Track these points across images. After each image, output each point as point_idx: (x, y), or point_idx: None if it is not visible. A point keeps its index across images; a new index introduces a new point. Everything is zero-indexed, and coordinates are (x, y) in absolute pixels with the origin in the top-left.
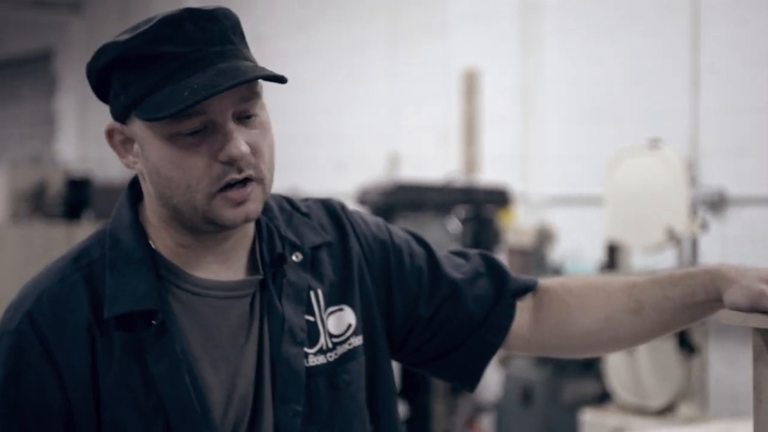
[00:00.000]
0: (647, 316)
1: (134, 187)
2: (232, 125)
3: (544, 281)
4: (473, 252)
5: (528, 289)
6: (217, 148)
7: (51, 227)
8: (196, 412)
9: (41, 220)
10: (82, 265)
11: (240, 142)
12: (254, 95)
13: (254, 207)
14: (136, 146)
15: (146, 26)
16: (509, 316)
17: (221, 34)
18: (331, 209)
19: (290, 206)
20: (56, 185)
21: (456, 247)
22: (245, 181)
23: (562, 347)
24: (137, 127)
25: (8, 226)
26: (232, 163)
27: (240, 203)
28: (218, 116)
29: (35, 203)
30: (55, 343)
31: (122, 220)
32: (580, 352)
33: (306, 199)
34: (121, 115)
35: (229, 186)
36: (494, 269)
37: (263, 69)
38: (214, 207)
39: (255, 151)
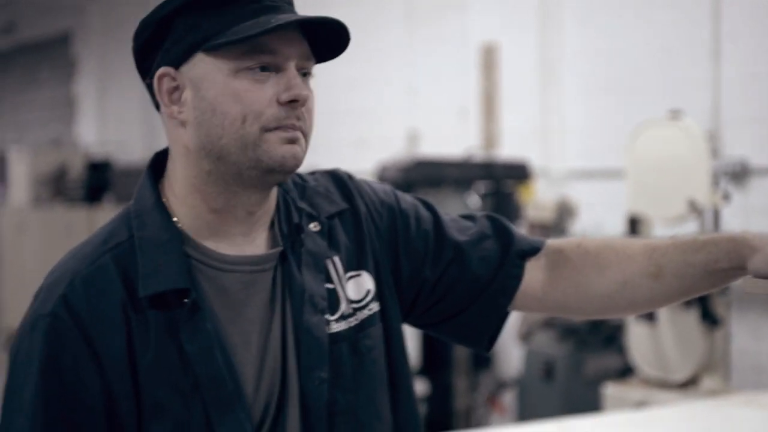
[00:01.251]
0: (667, 282)
1: (154, 168)
2: (296, 72)
3: (560, 241)
4: (481, 214)
5: (535, 249)
6: (281, 89)
7: (72, 210)
8: (228, 389)
9: (62, 203)
10: (110, 246)
11: (304, 86)
12: (312, 58)
13: (300, 152)
14: (185, 95)
15: None
16: (516, 276)
17: None
18: (339, 178)
19: (301, 180)
20: (77, 168)
21: (474, 212)
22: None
23: (577, 308)
24: (198, 67)
25: (30, 210)
26: (294, 104)
27: (291, 141)
28: (284, 61)
29: (56, 187)
30: (91, 325)
31: (146, 201)
32: (596, 313)
33: (313, 173)
34: (179, 59)
35: (281, 127)
36: (500, 230)
37: (331, 18)
38: (265, 142)
39: (307, 108)
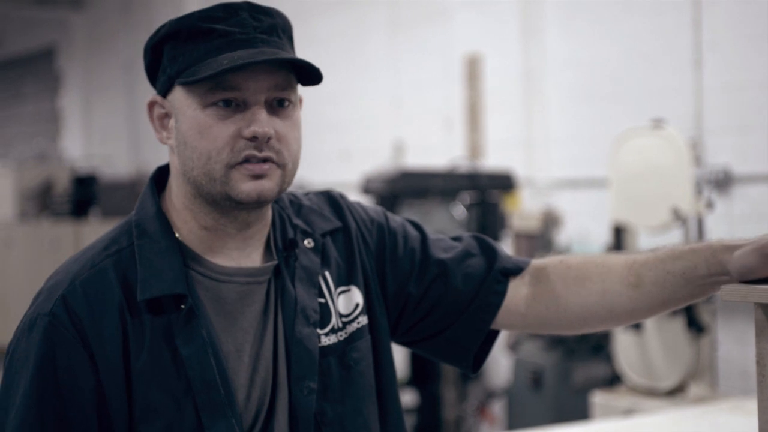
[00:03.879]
0: (647, 291)
1: (156, 179)
2: (262, 107)
3: (544, 259)
4: (467, 234)
5: (520, 267)
6: (243, 125)
7: (58, 225)
8: (220, 395)
9: (48, 218)
10: (111, 252)
11: (266, 123)
12: (289, 87)
13: (270, 186)
14: (171, 121)
15: (204, 8)
16: (500, 293)
17: (271, 27)
18: (332, 198)
19: (296, 199)
20: (62, 183)
21: (461, 232)
22: (264, 160)
23: (559, 321)
24: (176, 98)
25: (16, 225)
26: (255, 141)
27: (256, 177)
28: (251, 96)
29: (42, 201)
30: (89, 325)
31: (147, 210)
32: (578, 325)
33: (307, 193)
34: (164, 87)
35: (248, 161)
36: (486, 249)
37: (304, 59)
38: (231, 179)
39: (280, 137)
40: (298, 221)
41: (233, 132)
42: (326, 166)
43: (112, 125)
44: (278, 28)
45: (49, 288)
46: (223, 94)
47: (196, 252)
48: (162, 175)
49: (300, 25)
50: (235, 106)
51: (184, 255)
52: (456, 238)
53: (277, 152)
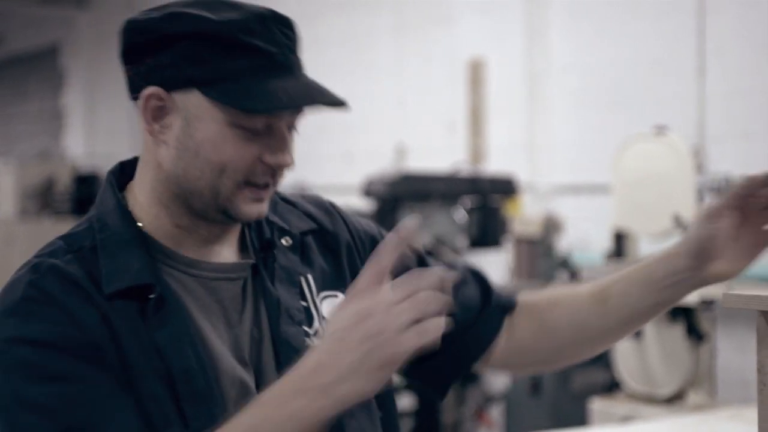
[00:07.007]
0: (614, 303)
1: (115, 174)
2: (287, 134)
3: (523, 295)
4: (461, 264)
5: (510, 306)
6: (268, 150)
7: (59, 223)
8: (200, 383)
9: (50, 216)
10: (73, 249)
11: (291, 155)
12: (302, 113)
13: (266, 207)
14: (171, 119)
15: (233, 14)
16: (495, 329)
17: (296, 44)
18: (320, 202)
19: (275, 195)
20: (64, 181)
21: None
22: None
23: (535, 356)
24: (192, 102)
25: (17, 223)
26: (275, 168)
27: (258, 200)
28: (279, 122)
29: (44, 199)
30: (67, 300)
31: (107, 205)
32: (553, 358)
33: (297, 196)
34: (172, 83)
35: (255, 185)
36: (481, 281)
37: (344, 101)
38: (237, 198)
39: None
40: (274, 218)
41: (256, 155)
42: (328, 168)
43: (115, 124)
44: (298, 43)
45: (10, 284)
46: (256, 120)
47: (164, 245)
48: (123, 169)
49: (305, 28)
50: (262, 129)
51: (150, 246)
52: (448, 266)
53: (282, 176)
